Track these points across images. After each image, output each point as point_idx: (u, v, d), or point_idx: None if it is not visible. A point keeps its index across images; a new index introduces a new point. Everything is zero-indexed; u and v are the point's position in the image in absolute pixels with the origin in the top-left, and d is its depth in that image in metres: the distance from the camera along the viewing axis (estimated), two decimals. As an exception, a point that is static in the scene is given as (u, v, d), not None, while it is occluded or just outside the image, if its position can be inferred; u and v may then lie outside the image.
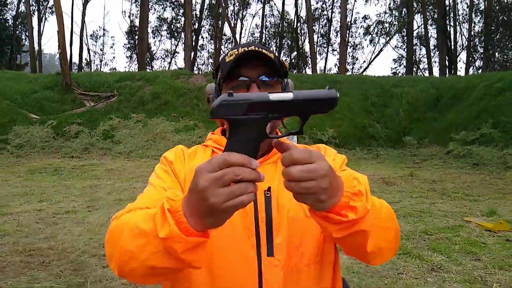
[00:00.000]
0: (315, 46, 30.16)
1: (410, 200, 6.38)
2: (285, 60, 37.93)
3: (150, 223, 0.71)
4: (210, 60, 37.81)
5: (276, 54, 1.06)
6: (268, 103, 0.66)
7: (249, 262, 0.88)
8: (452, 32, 28.58)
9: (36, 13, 31.94)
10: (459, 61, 32.62)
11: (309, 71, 31.35)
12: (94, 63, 39.47)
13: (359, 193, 0.71)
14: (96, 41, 40.30)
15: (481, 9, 29.40)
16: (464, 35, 30.52)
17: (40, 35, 31.46)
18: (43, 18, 33.17)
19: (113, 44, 64.18)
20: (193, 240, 0.67)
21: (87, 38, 36.95)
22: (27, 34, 29.95)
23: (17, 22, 31.94)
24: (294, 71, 33.36)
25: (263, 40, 37.10)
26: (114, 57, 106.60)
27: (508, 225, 4.49)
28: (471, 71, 29.38)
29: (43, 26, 34.66)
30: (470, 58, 29.01)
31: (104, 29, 57.29)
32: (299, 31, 35.49)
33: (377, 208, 0.77)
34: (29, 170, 9.08)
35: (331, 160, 1.02)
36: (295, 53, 36.34)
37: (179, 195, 0.71)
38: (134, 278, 0.78)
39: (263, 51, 0.95)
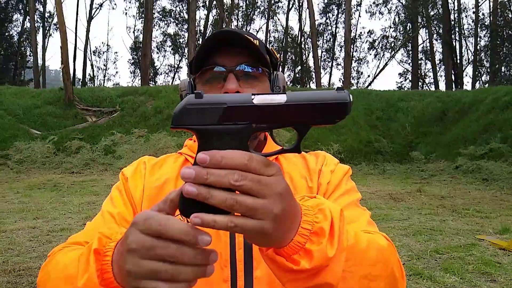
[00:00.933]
0: (319, 60, 30.22)
1: (419, 217, 6.14)
2: (289, 75, 38.16)
3: (76, 265, 0.55)
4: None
5: (267, 45, 0.88)
6: (251, 108, 0.47)
7: None
8: (457, 47, 28.56)
9: (41, 29, 32.41)
10: (465, 75, 32.53)
11: (313, 86, 31.36)
12: (97, 78, 39.83)
13: (320, 231, 0.50)
14: (99, 57, 40.65)
15: (486, 23, 29.45)
16: (470, 49, 30.52)
17: (44, 50, 31.85)
18: (48, 34, 33.64)
19: (115, 59, 64.84)
20: None
21: (91, 53, 37.40)
22: (31, 50, 30.32)
23: (22, 39, 32.39)
24: (298, 86, 33.39)
25: (267, 56, 37.30)
26: (117, 72, 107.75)
27: (524, 243, 4.24)
28: (477, 85, 29.26)
29: (48, 42, 34.96)
30: (476, 72, 28.89)
31: (107, 45, 58.07)
32: (303, 46, 35.66)
33: (361, 249, 0.56)
34: (28, 186, 8.94)
35: (329, 170, 0.82)
36: (299, 67, 36.45)
37: (119, 233, 0.53)
38: None
39: (245, 35, 0.76)
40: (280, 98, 0.47)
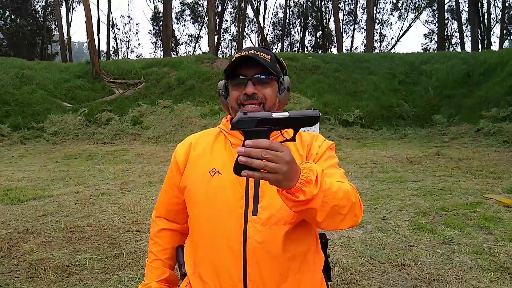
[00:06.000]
0: (341, 24, 29.61)
1: (433, 178, 6.40)
2: (310, 40, 37.55)
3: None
4: (234, 43, 37.91)
5: (275, 54, 1.28)
6: (271, 119, 0.88)
7: (238, 218, 1.14)
8: (485, 5, 27.34)
9: (64, 3, 32.84)
10: (493, 34, 31.22)
11: (334, 51, 30.92)
12: (121, 50, 40.41)
13: (310, 181, 0.90)
14: (119, 29, 41.07)
15: (516, -22, 27.91)
16: (498, 7, 29.14)
17: (68, 24, 32.39)
18: (71, 7, 34.07)
19: (137, 31, 65.20)
20: None
21: (113, 26, 37.75)
22: (56, 24, 30.87)
23: (46, 13, 32.94)
24: (320, 51, 32.93)
25: (287, 21, 36.68)
26: (139, 44, 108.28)
27: (527, 201, 4.50)
28: (506, 44, 28.12)
29: (72, 16, 35.46)
30: (505, 32, 27.68)
31: (129, 17, 58.24)
32: (324, 10, 34.86)
33: (333, 191, 0.96)
34: (65, 156, 9.63)
35: (317, 146, 1.24)
36: (320, 32, 35.78)
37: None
38: None
39: (259, 53, 1.19)
40: (286, 114, 0.89)
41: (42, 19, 32.60)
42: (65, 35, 30.37)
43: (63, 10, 31.88)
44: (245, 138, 0.86)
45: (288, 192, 0.89)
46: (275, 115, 0.88)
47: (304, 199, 0.89)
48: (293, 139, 0.93)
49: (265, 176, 0.83)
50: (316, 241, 1.24)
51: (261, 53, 1.20)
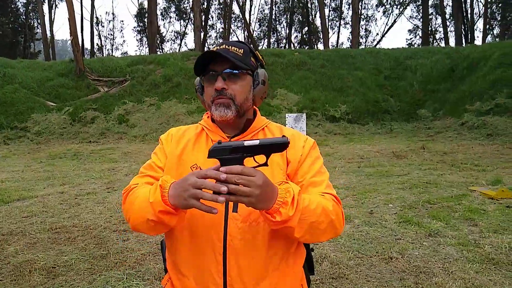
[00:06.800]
0: (327, 20, 29.69)
1: (419, 172, 6.48)
2: (296, 36, 37.62)
3: (147, 194, 1.05)
4: (220, 40, 37.71)
5: (251, 48, 1.24)
6: (243, 147, 0.95)
7: (218, 214, 1.12)
8: (468, 0, 27.68)
9: (46, 0, 32.24)
10: (476, 29, 31.66)
11: (321, 46, 31.01)
12: (105, 48, 39.91)
13: (286, 202, 0.98)
14: (103, 26, 40.59)
15: (498, -27, 28.33)
16: (481, 2, 29.56)
17: (51, 22, 31.81)
18: (54, 4, 33.44)
19: (122, 28, 64.43)
20: (166, 207, 1.01)
21: (97, 23, 37.23)
22: (38, 22, 30.29)
23: (28, 10, 32.29)
24: (306, 47, 33.00)
25: (273, 17, 36.62)
26: (124, 41, 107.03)
27: (510, 192, 4.58)
28: (489, 38, 28.56)
29: (54, 13, 34.73)
30: (488, 26, 28.10)
31: (113, 14, 57.51)
32: (309, 6, 34.92)
33: (311, 209, 1.03)
34: (50, 155, 9.47)
35: (301, 147, 1.22)
36: (306, 28, 35.85)
37: (170, 180, 1.05)
38: (143, 230, 1.11)
39: (231, 48, 1.18)
40: (256, 142, 0.95)
41: (23, 17, 31.96)
42: (48, 33, 29.85)
43: (45, 7, 31.27)
44: (221, 164, 0.94)
45: (267, 212, 0.97)
46: (247, 143, 0.95)
47: (280, 220, 0.97)
48: (265, 164, 0.98)
49: (239, 199, 0.91)
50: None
51: (233, 47, 1.18)
